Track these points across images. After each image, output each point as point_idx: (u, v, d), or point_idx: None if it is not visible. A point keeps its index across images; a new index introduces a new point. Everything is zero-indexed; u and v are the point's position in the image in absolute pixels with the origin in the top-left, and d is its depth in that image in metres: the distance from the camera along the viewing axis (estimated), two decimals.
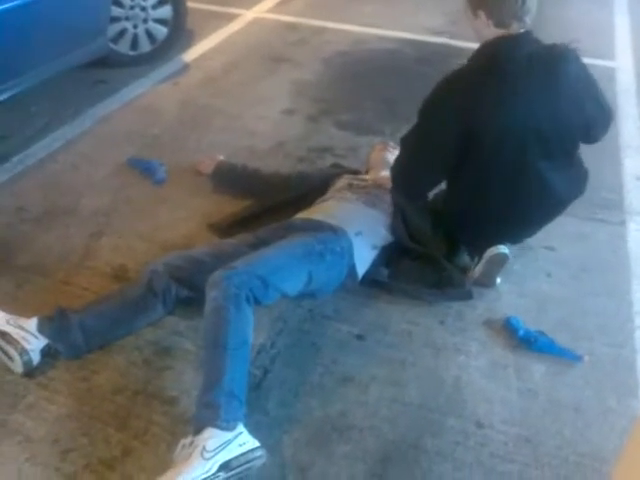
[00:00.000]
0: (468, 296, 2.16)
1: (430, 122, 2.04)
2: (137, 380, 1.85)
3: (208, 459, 1.49)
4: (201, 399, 1.62)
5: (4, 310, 1.88)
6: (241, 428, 1.58)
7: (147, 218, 2.53)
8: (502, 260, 2.14)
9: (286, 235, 2.07)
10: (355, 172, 2.60)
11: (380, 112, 3.43)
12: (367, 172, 2.60)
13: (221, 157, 2.80)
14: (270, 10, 4.86)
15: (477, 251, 2.20)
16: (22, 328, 1.83)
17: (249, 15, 4.72)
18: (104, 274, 2.22)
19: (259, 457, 1.56)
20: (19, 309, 1.93)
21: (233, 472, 1.52)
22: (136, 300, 1.97)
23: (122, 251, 2.34)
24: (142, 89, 3.55)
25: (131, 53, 3.72)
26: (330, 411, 1.79)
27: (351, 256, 2.07)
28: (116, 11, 3.48)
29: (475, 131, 1.95)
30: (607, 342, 2.06)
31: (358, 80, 3.80)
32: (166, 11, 3.74)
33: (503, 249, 2.12)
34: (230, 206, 2.56)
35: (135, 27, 3.64)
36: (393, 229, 2.24)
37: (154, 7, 3.67)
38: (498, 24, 1.93)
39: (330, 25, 4.57)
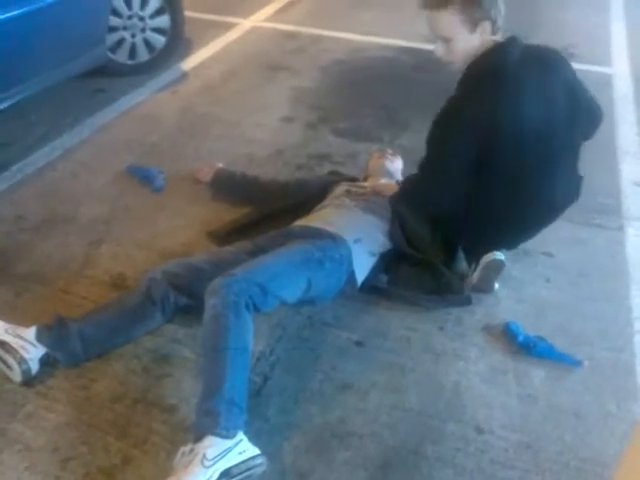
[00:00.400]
0: (467, 302, 2.17)
1: (450, 140, 2.01)
2: (136, 388, 1.84)
3: (208, 467, 1.48)
4: (201, 407, 1.62)
5: (3, 319, 1.88)
6: (241, 436, 1.57)
7: (146, 226, 2.53)
8: (498, 266, 2.15)
9: (285, 242, 2.07)
10: (353, 179, 2.60)
11: (378, 119, 3.44)
12: (365, 179, 2.60)
13: (220, 165, 2.81)
14: (268, 19, 4.88)
15: (474, 257, 2.21)
16: (21, 337, 1.83)
17: (247, 24, 4.74)
18: (103, 282, 2.22)
19: (259, 465, 1.55)
20: (18, 318, 1.93)
21: None
22: (135, 308, 1.97)
23: (121, 259, 2.34)
24: (141, 98, 3.57)
25: (129, 62, 3.74)
26: (330, 418, 1.79)
27: (350, 263, 2.07)
28: (114, 21, 3.50)
29: (488, 138, 1.96)
30: (606, 347, 2.06)
31: (356, 88, 3.81)
32: (164, 20, 3.76)
33: (499, 255, 2.14)
34: (229, 214, 2.56)
35: (133, 36, 3.66)
36: (391, 236, 2.24)
37: (152, 16, 3.69)
38: (496, 31, 1.96)
39: (328, 33, 4.59)
